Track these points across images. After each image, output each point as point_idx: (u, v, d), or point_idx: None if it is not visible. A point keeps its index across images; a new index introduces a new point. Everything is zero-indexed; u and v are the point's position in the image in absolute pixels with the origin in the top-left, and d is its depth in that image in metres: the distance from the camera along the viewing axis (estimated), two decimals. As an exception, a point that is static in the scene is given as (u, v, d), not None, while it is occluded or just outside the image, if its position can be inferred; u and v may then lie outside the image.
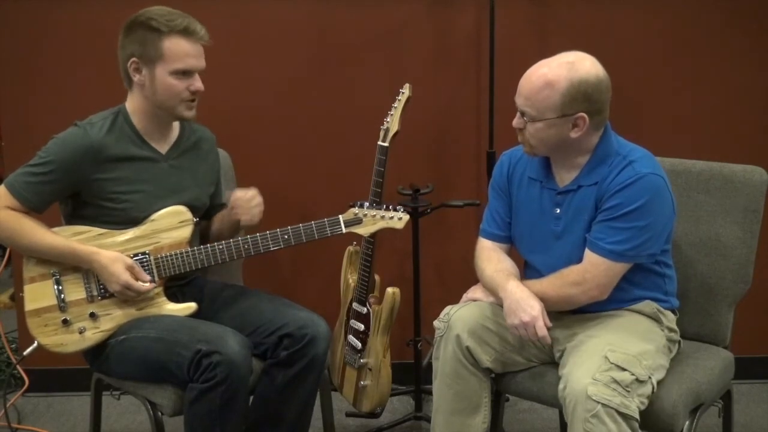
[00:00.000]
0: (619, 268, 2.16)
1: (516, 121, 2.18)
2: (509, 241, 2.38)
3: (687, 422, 2.13)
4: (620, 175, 2.14)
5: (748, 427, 2.98)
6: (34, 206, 2.27)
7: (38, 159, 2.26)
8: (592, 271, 2.16)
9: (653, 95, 3.12)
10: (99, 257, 2.24)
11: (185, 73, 2.26)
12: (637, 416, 1.99)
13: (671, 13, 3.07)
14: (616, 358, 2.02)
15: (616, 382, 1.98)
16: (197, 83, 2.28)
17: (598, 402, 1.95)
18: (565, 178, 2.24)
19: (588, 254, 2.17)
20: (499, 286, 2.22)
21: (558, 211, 2.24)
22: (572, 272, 2.19)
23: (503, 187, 2.36)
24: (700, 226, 2.38)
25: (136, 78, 2.27)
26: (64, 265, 2.28)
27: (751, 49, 3.09)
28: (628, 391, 1.98)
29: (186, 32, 2.24)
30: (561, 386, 2.06)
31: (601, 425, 1.95)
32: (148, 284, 2.27)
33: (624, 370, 2.00)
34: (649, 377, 2.05)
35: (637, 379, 2.01)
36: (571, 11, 3.06)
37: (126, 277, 2.23)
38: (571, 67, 2.10)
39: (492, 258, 2.33)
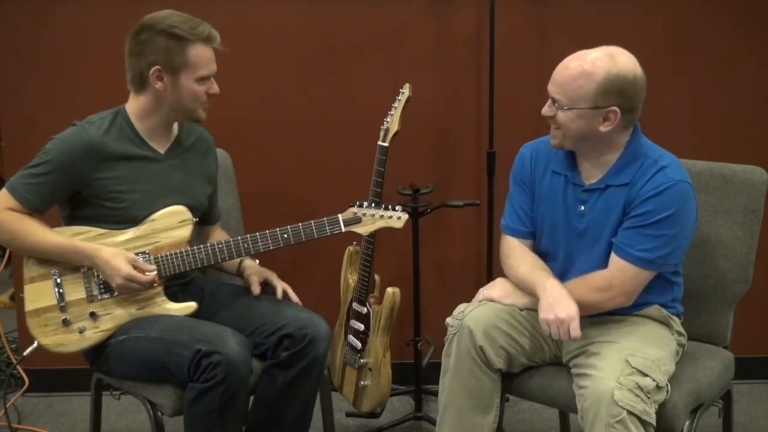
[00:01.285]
0: (647, 275, 2.15)
1: (546, 109, 2.15)
2: (533, 237, 2.34)
3: (687, 422, 2.14)
4: (652, 180, 2.11)
5: (748, 427, 2.98)
6: (35, 207, 2.27)
7: (38, 160, 2.26)
8: (620, 277, 2.14)
9: (653, 95, 3.08)
10: (100, 253, 2.25)
11: (205, 78, 2.28)
12: (655, 422, 2.00)
13: (671, 13, 3.07)
14: (637, 363, 2.02)
15: (639, 387, 1.98)
16: (215, 86, 2.32)
17: (624, 408, 1.95)
18: (591, 174, 2.21)
19: (615, 260, 2.15)
20: (538, 283, 2.18)
21: (582, 208, 2.21)
22: (598, 277, 2.16)
23: (526, 179, 2.32)
24: (700, 226, 2.37)
25: (158, 85, 2.26)
26: (64, 265, 2.28)
27: (752, 49, 3.09)
28: (649, 397, 1.99)
29: (208, 40, 2.27)
30: (581, 390, 2.05)
31: (625, 431, 1.95)
32: (151, 274, 2.26)
33: (646, 375, 2.01)
34: (666, 384, 2.06)
35: (657, 386, 2.02)
36: (571, 11, 3.06)
37: (128, 269, 2.23)
38: (611, 59, 2.08)
39: (526, 256, 2.30)
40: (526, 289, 2.25)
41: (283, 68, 3.10)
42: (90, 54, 3.03)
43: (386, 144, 2.58)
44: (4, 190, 2.27)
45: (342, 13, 3.06)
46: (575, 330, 2.09)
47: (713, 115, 3.13)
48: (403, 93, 2.57)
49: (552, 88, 2.13)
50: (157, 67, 2.24)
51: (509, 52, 2.96)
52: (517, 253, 2.31)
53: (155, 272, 2.28)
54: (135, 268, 2.25)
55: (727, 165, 2.38)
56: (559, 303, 2.11)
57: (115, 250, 2.26)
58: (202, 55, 2.26)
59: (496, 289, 2.32)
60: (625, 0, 3.06)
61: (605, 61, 2.08)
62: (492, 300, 2.30)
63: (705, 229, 2.37)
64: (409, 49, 3.09)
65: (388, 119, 2.58)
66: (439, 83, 3.11)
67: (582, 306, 2.13)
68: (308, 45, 3.09)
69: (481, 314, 2.24)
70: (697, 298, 2.37)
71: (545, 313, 2.12)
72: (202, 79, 2.27)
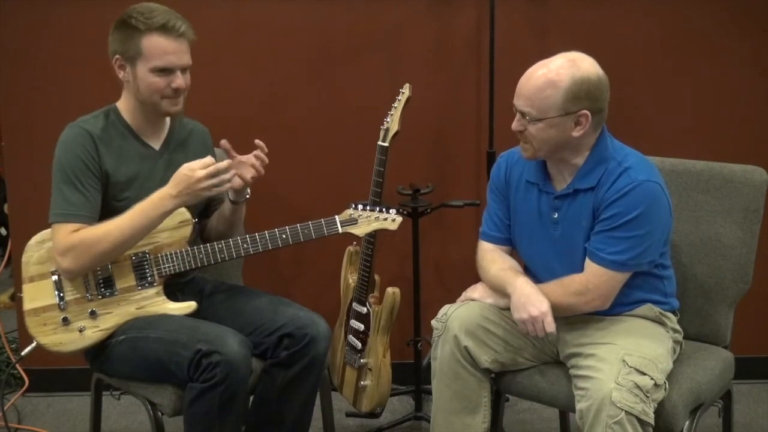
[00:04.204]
0: (621, 277, 2.16)
1: (516, 124, 2.16)
2: (510, 243, 2.37)
3: (687, 422, 2.14)
4: (616, 183, 2.12)
5: (748, 427, 2.98)
6: (90, 215, 2.23)
7: (56, 177, 2.24)
8: (594, 281, 2.15)
9: (653, 95, 3.12)
10: (167, 186, 2.20)
11: (165, 71, 2.25)
12: (653, 422, 2.00)
13: (671, 13, 3.07)
14: (633, 362, 2.03)
15: (638, 387, 1.98)
16: (178, 80, 2.27)
17: (622, 409, 1.96)
18: (561, 181, 2.23)
19: (589, 265, 2.16)
20: (507, 282, 2.21)
21: (556, 215, 2.23)
22: (574, 282, 2.17)
23: (501, 189, 2.35)
24: (700, 226, 2.38)
25: (121, 75, 2.29)
26: None
27: (751, 50, 3.09)
28: (648, 397, 2.00)
29: (164, 29, 2.22)
30: (579, 392, 2.06)
31: None
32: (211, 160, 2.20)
33: (643, 374, 2.01)
34: (665, 382, 2.06)
35: (655, 384, 2.02)
36: (571, 11, 3.06)
37: (194, 164, 2.17)
38: (572, 64, 2.09)
39: (496, 259, 2.33)
40: (499, 290, 2.27)
41: (283, 68, 3.10)
42: (90, 54, 3.02)
43: (386, 144, 2.58)
44: (54, 226, 2.22)
45: (342, 13, 3.06)
46: (549, 325, 2.12)
47: (713, 115, 3.13)
48: (403, 93, 2.58)
49: (519, 102, 2.14)
50: (117, 56, 2.26)
51: (509, 52, 2.95)
52: (488, 257, 2.34)
53: (210, 158, 2.22)
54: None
55: (727, 165, 2.37)
56: (530, 300, 2.13)
57: (173, 176, 2.20)
58: (156, 46, 2.23)
59: (477, 290, 2.35)
60: (625, 0, 3.06)
61: (568, 67, 2.09)
62: (473, 299, 2.32)
63: (705, 229, 2.37)
64: (409, 49, 3.08)
65: (388, 119, 2.58)
66: (439, 83, 3.11)
67: (559, 309, 2.16)
68: (308, 45, 3.09)
69: (464, 313, 2.26)
70: (697, 298, 2.37)
71: (518, 313, 2.15)
72: (158, 71, 2.24)
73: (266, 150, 2.35)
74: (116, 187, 2.29)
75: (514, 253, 2.38)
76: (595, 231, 2.16)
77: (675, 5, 3.06)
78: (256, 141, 2.35)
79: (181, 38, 2.25)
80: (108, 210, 2.28)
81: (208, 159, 2.21)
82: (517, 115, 2.16)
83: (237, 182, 2.32)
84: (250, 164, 2.34)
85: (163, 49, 2.23)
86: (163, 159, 2.38)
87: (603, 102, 2.13)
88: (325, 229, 2.33)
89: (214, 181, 2.20)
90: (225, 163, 2.24)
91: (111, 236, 2.21)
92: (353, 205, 2.36)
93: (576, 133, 2.12)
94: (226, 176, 2.23)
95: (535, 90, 2.10)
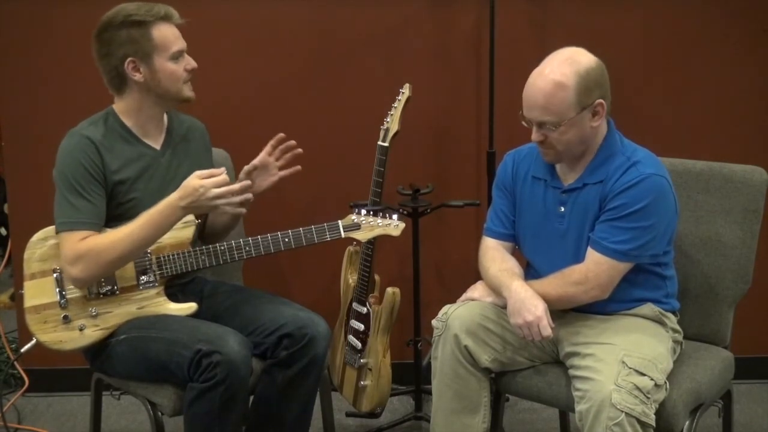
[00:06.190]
0: (622, 267, 2.17)
1: (535, 135, 2.16)
2: (514, 240, 2.38)
3: (687, 422, 2.14)
4: (624, 176, 2.15)
5: (748, 427, 2.98)
6: (97, 222, 2.23)
7: (60, 186, 2.23)
8: (595, 270, 2.16)
9: (653, 95, 3.12)
10: (175, 195, 2.18)
11: (179, 56, 2.29)
12: (654, 423, 2.01)
13: (671, 13, 3.07)
14: (633, 363, 2.03)
15: (638, 389, 1.99)
16: (191, 61, 2.33)
17: (622, 411, 1.96)
18: (569, 176, 2.24)
19: (591, 253, 2.17)
20: (503, 285, 2.22)
21: (562, 209, 2.24)
22: (574, 272, 2.19)
23: (508, 185, 2.36)
24: (700, 226, 2.38)
25: (136, 77, 2.27)
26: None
27: (751, 50, 3.09)
28: (648, 398, 2.00)
29: (167, 17, 2.28)
30: (578, 393, 2.06)
31: None
32: (220, 171, 2.20)
33: (643, 375, 2.01)
34: (665, 382, 2.06)
35: (655, 384, 2.02)
36: (571, 11, 3.06)
37: (207, 182, 2.17)
38: (571, 61, 2.11)
39: (496, 258, 2.33)
40: (495, 291, 2.29)
41: (283, 68, 3.10)
42: (90, 54, 3.02)
43: (386, 144, 2.59)
44: (62, 234, 2.22)
45: (342, 13, 3.06)
46: (545, 329, 2.13)
47: (713, 115, 3.13)
48: (403, 93, 2.58)
49: (533, 114, 2.14)
50: (130, 58, 2.26)
51: (509, 52, 2.96)
52: (489, 255, 2.35)
53: (223, 170, 2.22)
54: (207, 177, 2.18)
55: (727, 165, 2.38)
56: (525, 305, 2.15)
57: (182, 185, 2.19)
58: (167, 34, 2.27)
59: (477, 289, 2.36)
60: (625, 0, 3.06)
61: (569, 65, 2.11)
62: (473, 299, 2.33)
63: (705, 229, 2.37)
64: (409, 49, 3.09)
65: (388, 119, 2.58)
66: (439, 83, 3.11)
67: (559, 300, 2.18)
68: (308, 45, 3.09)
69: (465, 313, 2.26)
70: (697, 298, 2.38)
71: (514, 318, 2.17)
72: (175, 57, 2.28)
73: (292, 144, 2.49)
74: (122, 189, 2.29)
75: (516, 251, 2.38)
76: (600, 220, 2.18)
77: (675, 5, 3.06)
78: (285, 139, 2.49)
79: (177, 22, 2.32)
80: (115, 212, 2.29)
81: (222, 177, 2.19)
82: (534, 127, 2.16)
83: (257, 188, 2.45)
84: (273, 168, 2.47)
85: (174, 34, 2.30)
86: (165, 157, 2.38)
87: (608, 86, 2.17)
88: (327, 233, 2.33)
89: (223, 201, 2.20)
90: (238, 185, 2.25)
91: (120, 245, 2.20)
92: (356, 209, 2.36)
93: (594, 123, 2.15)
94: (236, 199, 2.24)
95: (546, 97, 2.11)
